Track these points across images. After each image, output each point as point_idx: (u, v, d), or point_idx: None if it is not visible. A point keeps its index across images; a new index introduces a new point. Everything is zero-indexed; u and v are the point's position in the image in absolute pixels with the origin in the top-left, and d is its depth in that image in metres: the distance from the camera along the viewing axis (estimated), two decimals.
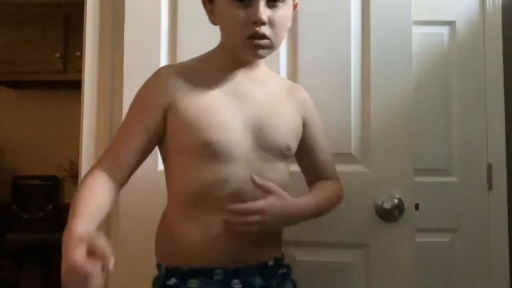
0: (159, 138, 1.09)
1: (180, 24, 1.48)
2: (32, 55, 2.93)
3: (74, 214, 0.94)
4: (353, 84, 1.43)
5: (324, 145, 1.24)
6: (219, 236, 1.03)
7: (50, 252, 2.92)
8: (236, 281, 1.05)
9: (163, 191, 1.14)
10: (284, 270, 1.16)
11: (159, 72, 1.11)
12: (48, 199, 3.13)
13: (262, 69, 1.16)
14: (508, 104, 1.75)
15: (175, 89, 1.07)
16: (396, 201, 1.37)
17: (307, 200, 1.12)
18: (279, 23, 1.04)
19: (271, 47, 1.06)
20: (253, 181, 1.01)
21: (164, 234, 1.11)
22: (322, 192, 1.18)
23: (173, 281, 1.06)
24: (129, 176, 1.08)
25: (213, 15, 1.10)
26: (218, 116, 1.06)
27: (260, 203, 1.00)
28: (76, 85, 1.81)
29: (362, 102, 1.43)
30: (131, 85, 1.47)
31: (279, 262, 1.15)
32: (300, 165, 1.25)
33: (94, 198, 0.99)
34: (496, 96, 1.74)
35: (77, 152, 1.66)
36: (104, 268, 0.86)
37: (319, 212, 1.14)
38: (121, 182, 1.07)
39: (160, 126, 1.07)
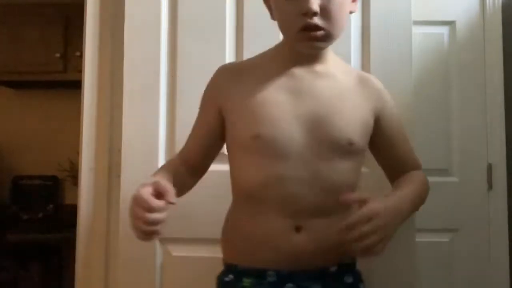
0: (221, 135, 1.12)
1: (180, 24, 1.48)
2: (32, 55, 2.93)
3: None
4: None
5: (403, 137, 1.16)
6: (274, 236, 1.00)
7: (50, 252, 2.93)
8: (290, 285, 1.00)
9: None
10: (351, 280, 1.08)
11: (216, 71, 1.13)
12: (48, 199, 3.13)
13: (329, 61, 1.09)
14: (508, 104, 1.74)
15: (228, 86, 1.08)
16: None
17: (401, 194, 1.02)
18: (334, 10, 0.97)
19: (328, 38, 1.00)
20: (344, 201, 0.94)
21: (225, 230, 1.12)
22: (410, 184, 1.07)
23: (230, 277, 1.06)
24: (200, 170, 1.17)
25: (270, 9, 1.08)
26: (268, 111, 1.02)
27: (373, 205, 0.90)
28: (76, 85, 1.81)
29: None
30: (131, 85, 1.48)
31: (345, 268, 1.07)
32: (379, 161, 1.18)
33: (166, 171, 1.09)
34: (496, 96, 1.74)
35: (77, 152, 1.67)
36: (166, 201, 0.91)
37: (414, 205, 1.04)
38: (193, 175, 1.16)
39: (218, 124, 1.10)
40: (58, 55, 2.93)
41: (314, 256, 1.01)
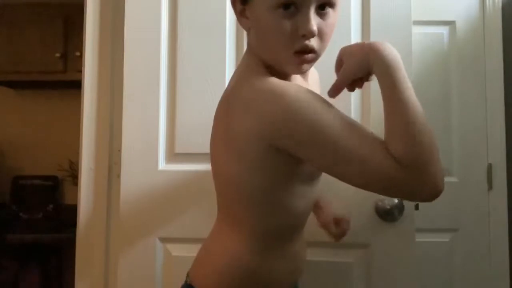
0: None
1: (180, 24, 1.48)
2: (32, 55, 2.93)
3: None
4: None
5: None
6: (298, 261, 1.03)
7: (50, 252, 2.93)
8: None
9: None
10: None
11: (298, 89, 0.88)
12: (48, 199, 3.13)
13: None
14: (508, 104, 1.75)
15: None
16: (396, 201, 1.36)
17: None
18: (328, 33, 0.89)
19: (315, 60, 0.92)
20: None
21: (234, 268, 0.96)
22: None
23: None
24: None
25: (245, 17, 0.92)
26: None
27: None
28: (76, 85, 1.81)
29: (362, 102, 1.43)
30: (131, 85, 1.48)
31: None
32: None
33: None
34: (496, 96, 1.74)
35: (77, 152, 1.66)
36: None
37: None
38: None
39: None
40: (58, 55, 2.94)
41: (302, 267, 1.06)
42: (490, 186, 1.73)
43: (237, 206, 0.94)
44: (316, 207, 1.18)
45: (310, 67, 0.93)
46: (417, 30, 1.60)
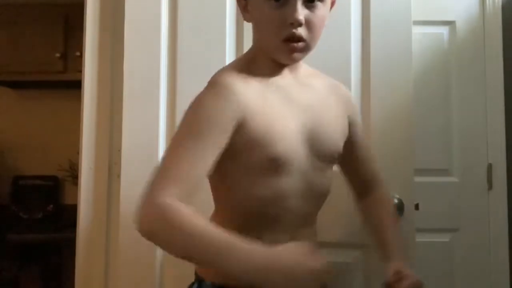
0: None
1: (180, 24, 1.48)
2: (32, 55, 2.93)
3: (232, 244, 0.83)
4: (353, 84, 1.43)
5: (367, 146, 1.20)
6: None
7: (50, 252, 2.93)
8: None
9: None
10: None
11: (227, 81, 0.97)
12: (48, 199, 3.13)
13: (304, 69, 1.09)
14: (508, 104, 1.75)
15: (245, 102, 0.95)
16: (396, 201, 1.37)
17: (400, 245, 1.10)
18: (316, 24, 0.97)
19: (306, 50, 1.00)
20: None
21: None
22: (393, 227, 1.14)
23: None
24: None
25: (247, 12, 1.02)
26: (282, 128, 0.98)
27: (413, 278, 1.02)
28: (76, 85, 1.81)
29: (362, 102, 1.43)
30: (131, 85, 1.48)
31: None
32: (344, 168, 1.19)
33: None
34: (496, 96, 1.74)
35: (77, 152, 1.66)
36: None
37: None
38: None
39: (226, 146, 0.94)
40: (58, 55, 2.93)
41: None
42: (490, 186, 1.73)
43: (215, 193, 1.05)
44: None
45: (302, 56, 1.01)
46: (417, 30, 1.60)
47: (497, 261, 1.70)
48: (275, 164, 0.97)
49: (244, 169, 0.98)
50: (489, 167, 1.73)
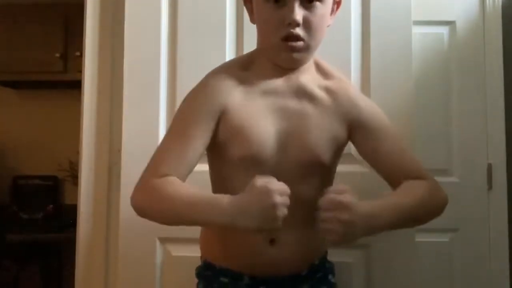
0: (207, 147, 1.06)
1: (180, 24, 1.48)
2: (32, 55, 2.93)
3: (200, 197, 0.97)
4: (353, 84, 1.43)
5: (393, 142, 1.10)
6: (249, 248, 1.05)
7: (50, 252, 2.93)
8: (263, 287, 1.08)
9: None
10: (320, 274, 1.15)
11: (215, 76, 1.07)
12: (48, 199, 3.13)
13: (308, 72, 1.08)
14: (508, 104, 1.74)
15: (226, 96, 1.04)
16: None
17: (384, 203, 0.99)
18: (315, 23, 0.99)
19: (306, 50, 1.01)
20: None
21: (205, 231, 1.18)
22: (403, 195, 1.02)
23: (208, 273, 1.14)
24: None
25: (253, 14, 1.06)
26: (258, 129, 1.02)
27: (344, 197, 0.89)
28: (76, 85, 1.81)
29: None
30: (131, 85, 1.48)
31: (315, 269, 1.14)
32: (377, 170, 1.13)
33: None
34: (496, 96, 1.74)
35: (77, 152, 1.67)
36: None
37: (403, 217, 1.01)
38: None
39: (211, 135, 1.04)
40: (58, 55, 2.94)
41: (286, 266, 1.07)
42: (490, 186, 1.72)
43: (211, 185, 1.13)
44: None
45: (302, 56, 1.02)
46: (417, 30, 1.60)
47: (497, 261, 1.70)
48: (246, 162, 1.02)
49: (222, 162, 1.06)
50: (489, 167, 1.73)
